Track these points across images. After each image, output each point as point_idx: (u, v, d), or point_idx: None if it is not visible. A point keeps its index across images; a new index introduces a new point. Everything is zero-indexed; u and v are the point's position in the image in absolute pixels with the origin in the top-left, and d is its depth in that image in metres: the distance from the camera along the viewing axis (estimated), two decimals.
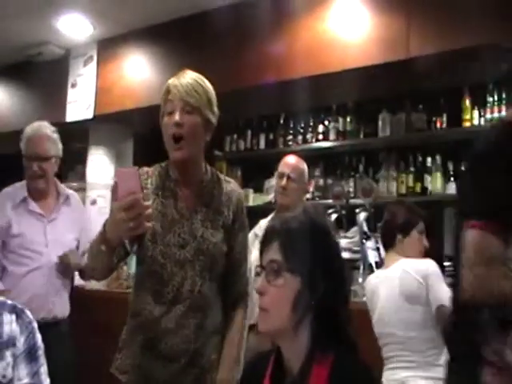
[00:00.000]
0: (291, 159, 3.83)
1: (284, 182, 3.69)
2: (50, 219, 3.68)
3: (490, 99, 4.66)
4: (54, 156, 3.71)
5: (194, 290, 2.27)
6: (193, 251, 2.28)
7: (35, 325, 2.06)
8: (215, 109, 2.36)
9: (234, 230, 2.38)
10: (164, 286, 2.27)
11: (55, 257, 3.63)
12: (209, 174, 2.42)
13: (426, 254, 3.32)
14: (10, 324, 2.00)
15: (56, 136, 3.74)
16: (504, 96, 4.60)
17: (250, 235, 3.76)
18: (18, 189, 3.71)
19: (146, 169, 2.41)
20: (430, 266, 3.10)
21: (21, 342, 2.00)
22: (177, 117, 2.23)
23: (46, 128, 3.73)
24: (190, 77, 2.30)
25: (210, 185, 2.40)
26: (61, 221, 3.72)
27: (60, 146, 3.77)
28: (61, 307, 3.68)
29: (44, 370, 2.02)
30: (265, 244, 1.66)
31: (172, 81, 2.30)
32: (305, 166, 3.83)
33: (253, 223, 3.90)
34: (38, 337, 2.05)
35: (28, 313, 2.07)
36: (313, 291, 1.57)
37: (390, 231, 3.34)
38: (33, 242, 3.59)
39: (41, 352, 2.03)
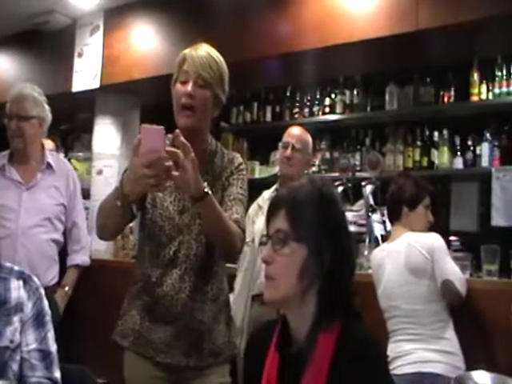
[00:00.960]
0: (296, 130, 3.83)
1: (289, 151, 3.69)
2: (29, 186, 3.60)
3: (499, 73, 4.64)
4: (36, 117, 3.64)
5: (190, 254, 2.31)
6: (190, 216, 2.32)
7: (42, 291, 2.08)
8: (226, 87, 2.39)
9: (228, 182, 2.40)
10: (161, 249, 2.31)
11: (31, 224, 3.55)
12: (213, 146, 2.45)
13: (432, 228, 3.33)
14: (18, 290, 2.02)
15: (41, 98, 3.69)
16: None
17: (253, 206, 3.79)
18: (0, 157, 3.67)
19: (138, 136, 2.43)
20: (435, 240, 3.11)
21: (28, 308, 2.01)
22: (189, 88, 2.27)
23: (30, 89, 3.68)
24: (206, 51, 2.34)
25: (213, 155, 2.42)
26: (40, 188, 3.63)
27: (45, 108, 3.70)
28: (38, 275, 3.63)
29: (51, 335, 2.04)
30: (271, 213, 1.66)
31: (189, 51, 2.33)
32: (309, 138, 3.83)
33: (258, 195, 3.91)
34: (45, 303, 2.06)
35: (35, 279, 2.09)
36: (319, 260, 1.57)
37: (396, 204, 3.33)
38: (5, 210, 3.52)
39: (48, 318, 2.05)
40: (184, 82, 2.29)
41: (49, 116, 3.74)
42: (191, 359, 2.30)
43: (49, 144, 4.77)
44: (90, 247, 4.05)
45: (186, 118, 2.29)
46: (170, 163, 1.99)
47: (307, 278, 1.58)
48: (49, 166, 3.69)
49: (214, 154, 2.42)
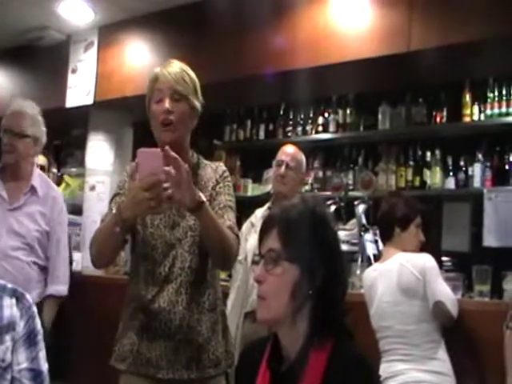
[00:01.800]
0: (290, 148, 3.84)
1: (282, 169, 3.70)
2: (14, 207, 3.51)
3: (491, 95, 4.66)
4: (31, 136, 3.58)
5: (185, 266, 2.31)
6: (181, 230, 2.33)
7: (35, 309, 2.06)
8: (200, 96, 2.42)
9: (215, 191, 2.40)
10: (156, 267, 2.31)
11: (13, 246, 3.44)
12: (195, 158, 2.47)
13: (424, 248, 3.33)
14: (11, 308, 2.00)
15: (38, 118, 3.64)
16: (504, 92, 4.60)
17: (246, 224, 3.79)
18: None
19: (133, 163, 2.44)
20: (427, 260, 3.11)
21: (20, 327, 1.99)
22: (167, 104, 2.30)
23: (29, 107, 3.64)
24: (177, 66, 2.38)
25: (196, 167, 2.43)
26: (25, 210, 3.53)
27: (41, 128, 3.65)
28: None
29: (43, 354, 2.01)
30: (264, 232, 1.65)
31: (159, 70, 2.37)
32: (303, 156, 3.84)
33: (251, 213, 3.91)
34: (38, 321, 2.04)
35: (28, 297, 2.07)
36: (311, 280, 1.57)
37: (388, 225, 3.34)
38: None
39: (40, 337, 2.03)
40: (159, 101, 2.32)
41: (44, 137, 3.67)
42: (192, 372, 2.29)
43: (39, 159, 4.75)
44: (68, 279, 3.78)
45: (165, 133, 2.32)
46: (167, 184, 2.00)
47: (299, 298, 1.58)
48: (33, 189, 3.57)
49: (197, 167, 2.43)
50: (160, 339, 2.28)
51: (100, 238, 2.26)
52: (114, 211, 2.16)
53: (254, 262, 3.47)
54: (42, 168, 4.75)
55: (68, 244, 4.58)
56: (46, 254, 3.59)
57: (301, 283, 1.57)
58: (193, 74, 2.40)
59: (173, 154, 2.02)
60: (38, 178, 3.65)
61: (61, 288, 3.65)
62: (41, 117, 3.68)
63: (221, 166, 2.50)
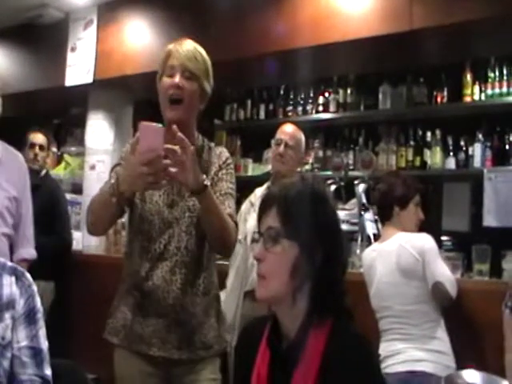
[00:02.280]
0: (289, 127, 3.83)
1: (281, 148, 3.69)
2: None
3: (492, 75, 4.65)
4: None
5: (181, 246, 2.31)
6: (180, 210, 2.33)
7: (35, 288, 2.06)
8: (211, 80, 2.41)
9: (217, 176, 2.41)
10: (151, 243, 2.32)
11: None
12: (200, 141, 2.46)
13: (424, 227, 3.33)
14: (10, 286, 2.00)
15: None
16: (505, 72, 4.59)
17: (246, 204, 3.79)
18: None
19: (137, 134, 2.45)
20: (426, 241, 3.11)
21: (20, 305, 2.00)
22: (177, 79, 2.30)
23: None
24: (190, 44, 2.37)
25: (200, 150, 2.42)
26: None
27: None
28: None
29: (43, 332, 2.02)
30: (263, 210, 1.65)
31: (173, 46, 2.36)
32: (302, 135, 3.83)
33: (251, 193, 3.91)
34: (38, 300, 2.05)
35: (28, 275, 2.07)
36: (311, 259, 1.57)
37: (386, 204, 3.34)
38: None
39: (40, 315, 2.03)
40: (171, 76, 2.32)
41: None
42: (183, 352, 2.30)
43: (39, 138, 4.75)
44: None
45: (173, 111, 2.31)
46: (167, 161, 2.00)
47: (299, 276, 1.58)
48: None
49: (201, 149, 2.43)
50: (153, 317, 2.30)
51: (96, 208, 2.28)
52: (112, 181, 2.16)
53: (254, 240, 3.47)
54: (41, 147, 4.71)
55: (64, 219, 4.57)
56: (13, 222, 3.48)
57: (300, 261, 1.57)
58: (206, 55, 2.39)
59: (180, 134, 2.02)
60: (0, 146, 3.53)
61: (32, 251, 3.58)
62: None
63: (224, 152, 2.50)
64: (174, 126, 2.06)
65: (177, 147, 2.02)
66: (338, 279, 1.62)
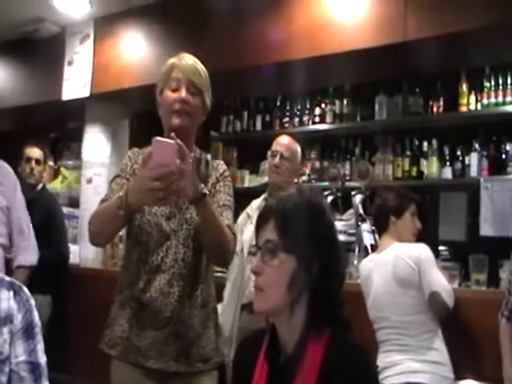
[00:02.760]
0: (285, 139, 3.84)
1: (277, 160, 3.70)
2: None
3: (487, 84, 4.66)
4: None
5: (178, 258, 2.31)
6: (177, 222, 2.33)
7: (33, 302, 2.06)
8: (210, 94, 2.43)
9: (214, 188, 2.41)
10: (149, 255, 2.32)
11: None
12: (197, 153, 2.47)
13: (421, 237, 3.34)
14: (8, 301, 2.00)
15: None
16: (501, 81, 4.60)
17: (243, 216, 3.79)
18: None
19: (135, 149, 2.48)
20: (422, 251, 3.12)
21: (18, 320, 1.99)
22: (183, 94, 2.31)
23: None
24: (192, 59, 2.39)
25: (198, 162, 2.43)
26: None
27: None
28: None
29: (41, 347, 2.02)
30: (260, 224, 1.65)
31: (176, 60, 2.38)
32: (298, 147, 3.84)
33: (248, 204, 3.91)
34: (35, 314, 2.05)
35: (25, 290, 2.07)
36: (308, 271, 1.57)
37: (383, 214, 3.35)
38: None
39: (38, 329, 2.03)
40: (175, 90, 2.32)
41: None
42: (181, 365, 2.30)
43: (35, 152, 4.75)
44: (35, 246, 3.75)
45: (178, 119, 2.32)
46: (178, 177, 2.02)
47: (296, 289, 1.57)
48: None
49: (198, 162, 2.43)
50: (150, 329, 2.29)
51: (101, 219, 2.27)
52: (120, 194, 2.15)
53: (251, 253, 3.46)
54: (37, 161, 4.72)
55: (61, 232, 4.56)
56: (7, 231, 3.53)
57: (298, 274, 1.57)
58: (205, 70, 2.40)
59: (179, 141, 2.03)
60: None
61: (30, 258, 3.61)
62: None
63: (221, 165, 2.51)
64: (173, 134, 2.07)
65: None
66: (336, 290, 1.62)
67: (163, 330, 2.29)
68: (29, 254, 3.62)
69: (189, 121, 2.34)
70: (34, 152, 4.75)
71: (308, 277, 1.57)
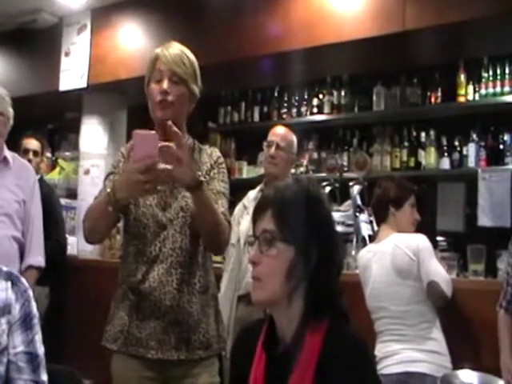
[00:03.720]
0: (280, 129, 3.83)
1: (273, 150, 3.69)
2: None
3: (485, 74, 4.65)
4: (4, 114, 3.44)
5: (176, 247, 2.31)
6: (173, 211, 2.33)
7: (31, 293, 2.06)
8: (199, 81, 2.42)
9: (209, 176, 2.41)
10: (147, 246, 2.32)
11: None
12: (190, 142, 2.47)
13: (420, 228, 3.34)
14: (6, 291, 2.00)
15: (6, 97, 3.49)
16: (499, 71, 4.60)
17: (239, 207, 3.79)
18: None
19: (128, 145, 2.47)
20: (421, 241, 3.12)
21: (16, 310, 1.99)
22: (165, 85, 2.31)
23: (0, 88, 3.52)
24: (177, 48, 2.38)
25: (191, 150, 2.43)
26: (0, 182, 3.44)
27: (8, 108, 3.49)
28: None
29: (39, 337, 2.02)
30: (258, 213, 1.65)
31: (160, 50, 2.37)
32: (293, 137, 3.83)
33: (245, 195, 3.91)
34: (33, 305, 2.05)
35: (23, 280, 2.07)
36: (306, 261, 1.57)
37: (382, 205, 3.35)
38: None
39: (36, 320, 2.03)
40: (159, 81, 2.33)
41: (11, 119, 3.53)
42: (182, 352, 2.30)
43: (33, 144, 4.74)
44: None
45: (163, 110, 2.32)
46: (164, 166, 2.02)
47: (294, 279, 1.57)
48: (5, 160, 3.51)
49: (192, 150, 2.43)
50: (150, 319, 2.29)
51: (93, 216, 2.29)
52: (108, 190, 2.16)
53: (249, 243, 3.47)
54: (34, 153, 4.71)
55: (59, 224, 4.55)
56: (23, 227, 3.52)
57: (296, 264, 1.57)
58: (193, 58, 2.40)
59: (174, 128, 2.04)
60: (8, 152, 3.57)
61: (40, 259, 3.59)
62: (9, 99, 3.58)
63: (215, 152, 2.50)
64: (170, 122, 2.08)
65: (172, 144, 2.03)
66: (334, 280, 1.62)
67: (163, 319, 2.29)
68: (38, 254, 3.62)
69: (172, 112, 2.32)
70: (32, 143, 4.74)
71: (306, 266, 1.57)
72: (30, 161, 4.61)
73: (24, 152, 4.64)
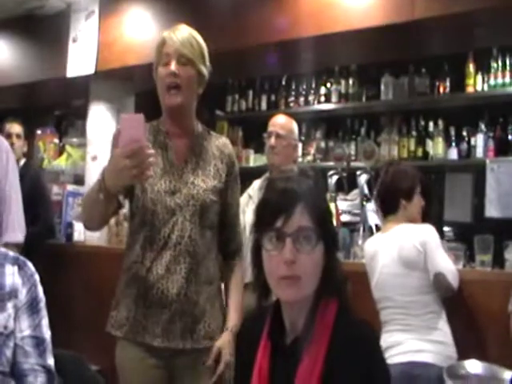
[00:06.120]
0: (279, 118, 3.82)
1: (272, 140, 3.68)
2: None
3: (494, 65, 4.64)
4: None
5: (185, 235, 2.30)
6: (183, 197, 2.31)
7: (37, 277, 2.07)
8: (207, 63, 2.41)
9: (228, 181, 2.42)
10: (155, 233, 2.30)
11: None
12: (200, 128, 2.46)
13: (426, 218, 3.32)
14: (12, 275, 2.01)
15: None
16: (508, 62, 4.58)
17: (244, 196, 3.78)
18: None
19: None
20: (428, 232, 3.10)
21: (23, 294, 2.01)
22: (172, 67, 2.29)
23: None
24: (185, 30, 2.38)
25: (201, 137, 2.43)
26: None
27: None
28: None
29: (45, 322, 2.03)
30: (285, 208, 1.56)
31: (167, 33, 2.36)
32: (293, 124, 3.81)
33: (252, 183, 3.90)
34: (40, 289, 2.06)
35: (30, 265, 2.08)
36: (331, 254, 1.59)
37: (392, 197, 3.28)
38: None
39: (42, 304, 2.04)
40: (166, 64, 2.32)
41: None
42: (187, 342, 2.30)
43: (15, 127, 4.80)
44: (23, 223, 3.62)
45: (172, 97, 2.31)
46: (151, 151, 1.99)
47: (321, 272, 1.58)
48: None
49: (201, 137, 2.43)
50: (156, 307, 2.28)
51: (88, 204, 2.28)
52: (98, 177, 2.13)
53: (278, 239, 3.44)
54: (17, 136, 4.81)
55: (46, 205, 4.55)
56: None
57: (326, 258, 1.57)
58: (200, 39, 2.39)
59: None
60: None
61: (17, 234, 3.51)
62: None
63: (227, 147, 2.49)
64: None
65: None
66: (339, 265, 1.63)
67: (169, 308, 2.28)
68: (15, 231, 3.54)
69: (181, 97, 2.31)
70: (14, 127, 4.80)
71: (329, 259, 1.58)
72: (12, 144, 4.60)
73: (7, 136, 4.64)
